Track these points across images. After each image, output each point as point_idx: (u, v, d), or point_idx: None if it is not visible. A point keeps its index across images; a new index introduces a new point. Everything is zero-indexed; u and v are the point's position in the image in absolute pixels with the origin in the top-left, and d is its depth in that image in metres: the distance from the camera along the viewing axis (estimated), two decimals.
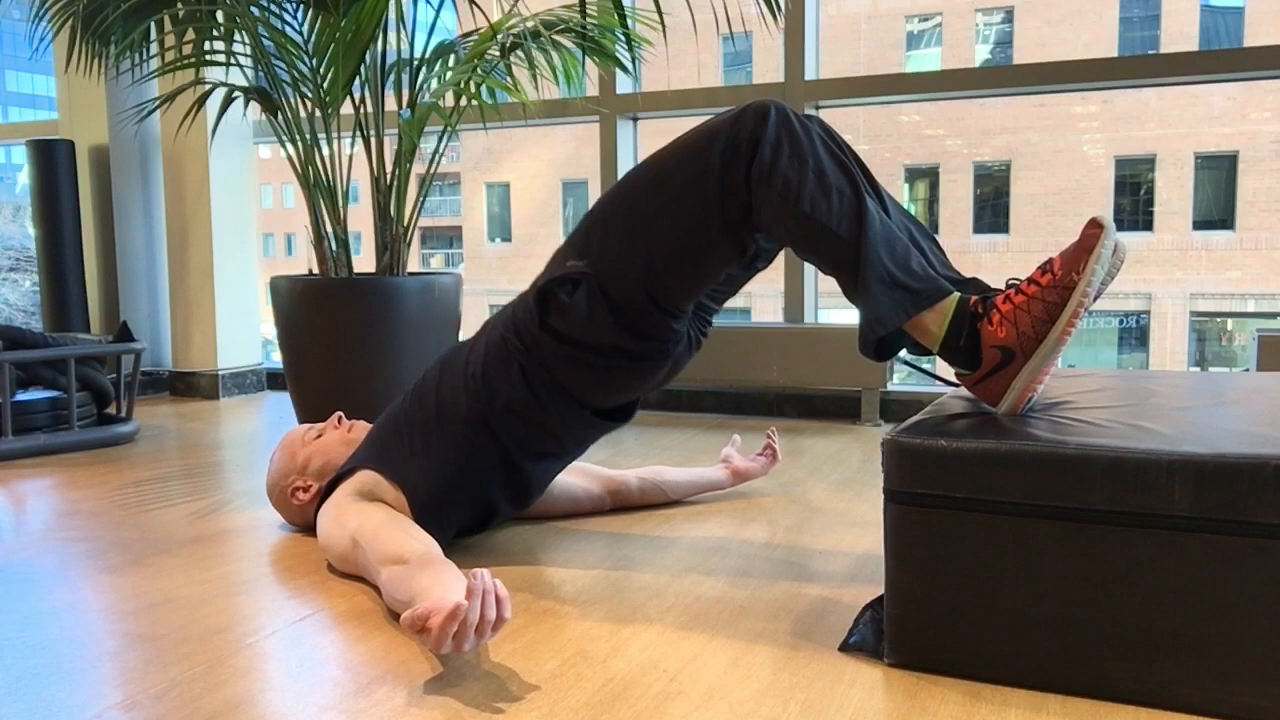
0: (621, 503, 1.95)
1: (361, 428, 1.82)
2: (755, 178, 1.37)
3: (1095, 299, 1.26)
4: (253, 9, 2.44)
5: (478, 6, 2.74)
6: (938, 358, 1.39)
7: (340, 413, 1.85)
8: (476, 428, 1.58)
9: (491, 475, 1.62)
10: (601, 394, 1.60)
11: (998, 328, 1.28)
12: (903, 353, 1.44)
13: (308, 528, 1.85)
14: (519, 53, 2.55)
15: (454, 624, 1.10)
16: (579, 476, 1.92)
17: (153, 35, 2.67)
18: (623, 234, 1.48)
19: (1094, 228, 1.24)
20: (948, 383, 1.47)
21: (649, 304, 1.49)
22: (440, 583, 1.26)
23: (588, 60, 2.73)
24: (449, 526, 1.62)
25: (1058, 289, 1.25)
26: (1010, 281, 1.33)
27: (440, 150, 2.61)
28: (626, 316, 1.49)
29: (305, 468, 1.77)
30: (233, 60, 2.62)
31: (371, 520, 1.48)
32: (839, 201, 1.34)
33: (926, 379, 1.41)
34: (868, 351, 1.36)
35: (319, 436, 1.80)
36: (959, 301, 1.31)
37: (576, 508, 1.91)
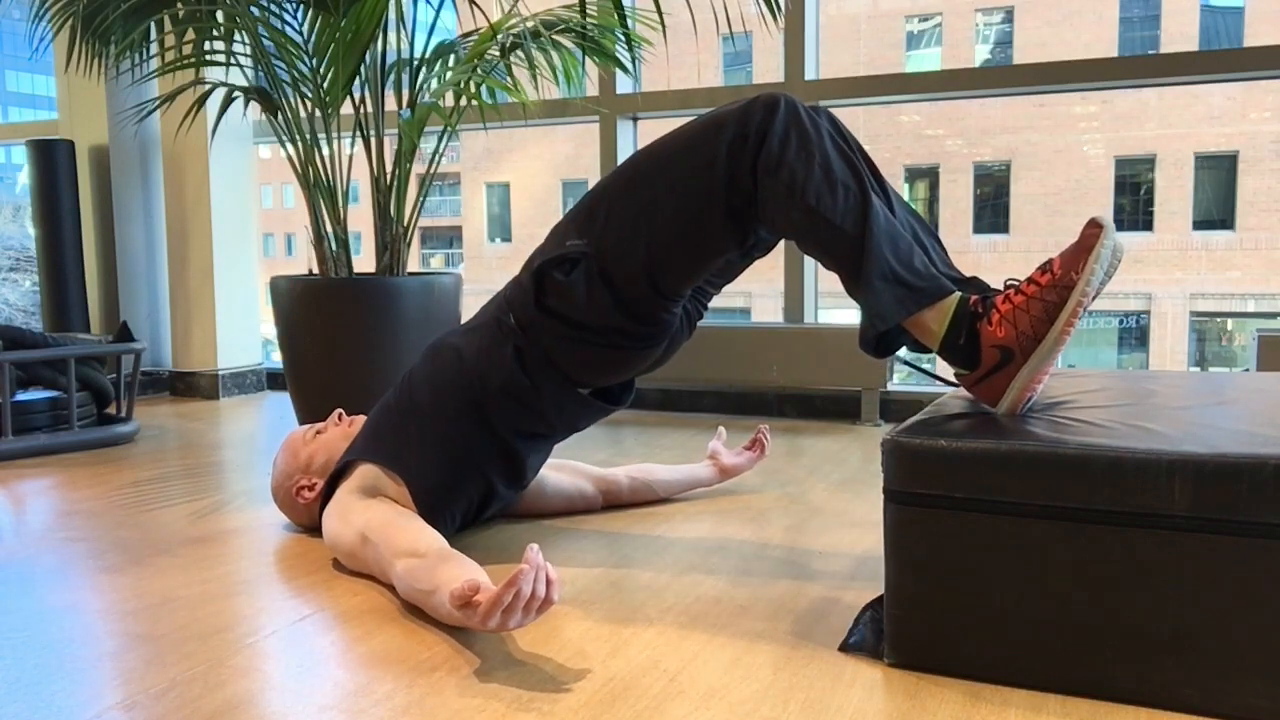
0: (613, 501, 1.96)
1: (361, 422, 1.82)
2: (762, 169, 1.37)
3: (1094, 299, 1.26)
4: (253, 9, 2.44)
5: (478, 6, 2.74)
6: (938, 357, 1.39)
7: (340, 410, 1.86)
8: (471, 413, 1.58)
9: (488, 458, 1.62)
10: (597, 374, 1.60)
11: (997, 327, 1.28)
12: (902, 351, 1.44)
13: (313, 528, 1.85)
14: (519, 53, 2.55)
15: (510, 593, 1.12)
16: (572, 475, 1.93)
17: (153, 35, 2.67)
18: (627, 216, 1.48)
19: (1094, 227, 1.25)
20: (948, 382, 1.47)
21: (649, 288, 1.49)
22: (465, 572, 1.28)
23: (588, 60, 2.73)
24: (452, 512, 1.63)
25: (1057, 289, 1.25)
26: (1009, 281, 1.33)
27: (440, 150, 2.61)
28: (624, 299, 1.50)
29: (309, 466, 1.77)
30: (233, 60, 2.62)
31: (380, 516, 1.49)
32: (844, 197, 1.34)
33: (926, 379, 1.41)
34: (868, 348, 1.36)
35: (319, 434, 1.80)
36: (960, 301, 1.31)
37: (569, 506, 1.91)
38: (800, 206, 1.35)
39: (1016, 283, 1.31)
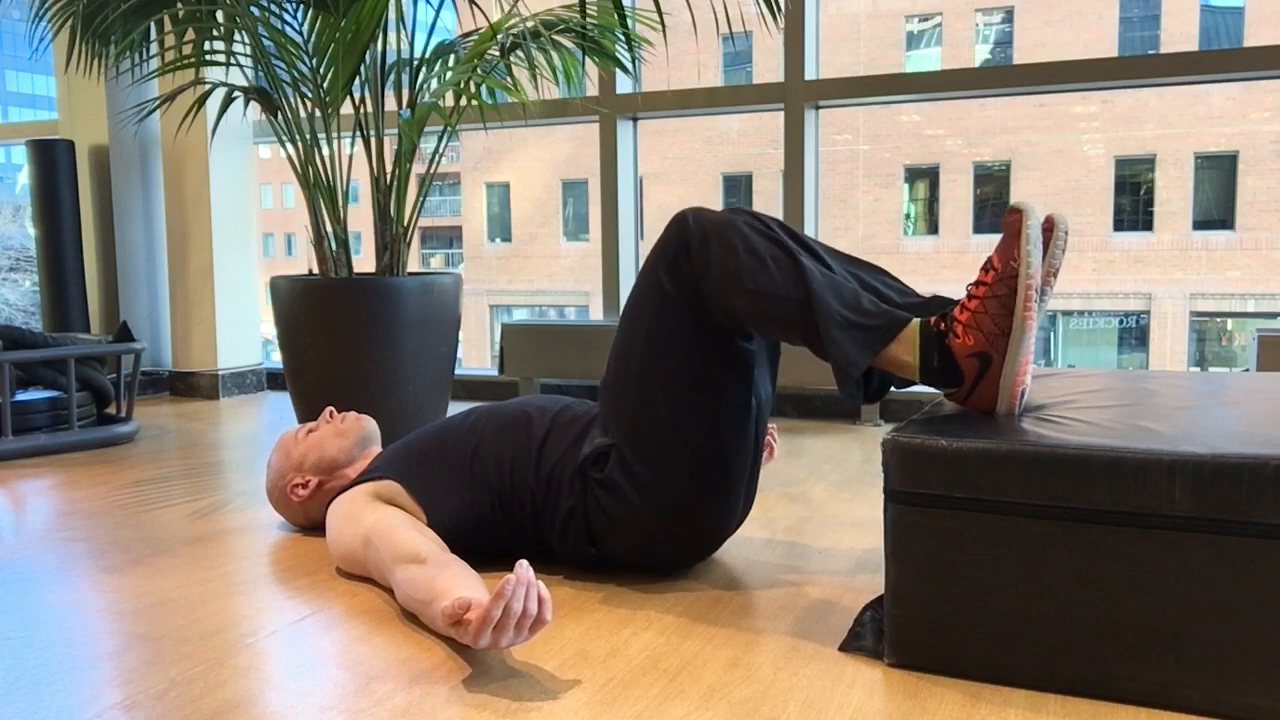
0: None
1: (353, 419, 1.82)
2: (699, 276, 1.41)
3: (1048, 278, 1.29)
4: (253, 9, 2.44)
5: (478, 6, 2.74)
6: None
7: (331, 408, 1.86)
8: (513, 510, 1.57)
9: (509, 536, 1.61)
10: (645, 560, 1.57)
11: (965, 337, 1.29)
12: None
13: (309, 528, 1.85)
14: (519, 53, 2.55)
15: (498, 608, 1.11)
16: None
17: (153, 35, 2.68)
18: (629, 391, 1.47)
19: (1014, 214, 1.27)
20: None
21: (684, 451, 1.45)
22: (463, 584, 1.27)
23: (588, 60, 2.73)
24: (464, 542, 1.62)
25: (1004, 280, 1.27)
26: (969, 286, 1.34)
27: (440, 150, 2.61)
28: (667, 475, 1.46)
29: (301, 464, 1.77)
30: (233, 60, 2.62)
31: (387, 520, 1.48)
32: (776, 268, 1.37)
33: None
34: (851, 395, 1.35)
35: (311, 433, 1.80)
36: (920, 325, 1.32)
37: None
38: (741, 293, 1.38)
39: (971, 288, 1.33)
